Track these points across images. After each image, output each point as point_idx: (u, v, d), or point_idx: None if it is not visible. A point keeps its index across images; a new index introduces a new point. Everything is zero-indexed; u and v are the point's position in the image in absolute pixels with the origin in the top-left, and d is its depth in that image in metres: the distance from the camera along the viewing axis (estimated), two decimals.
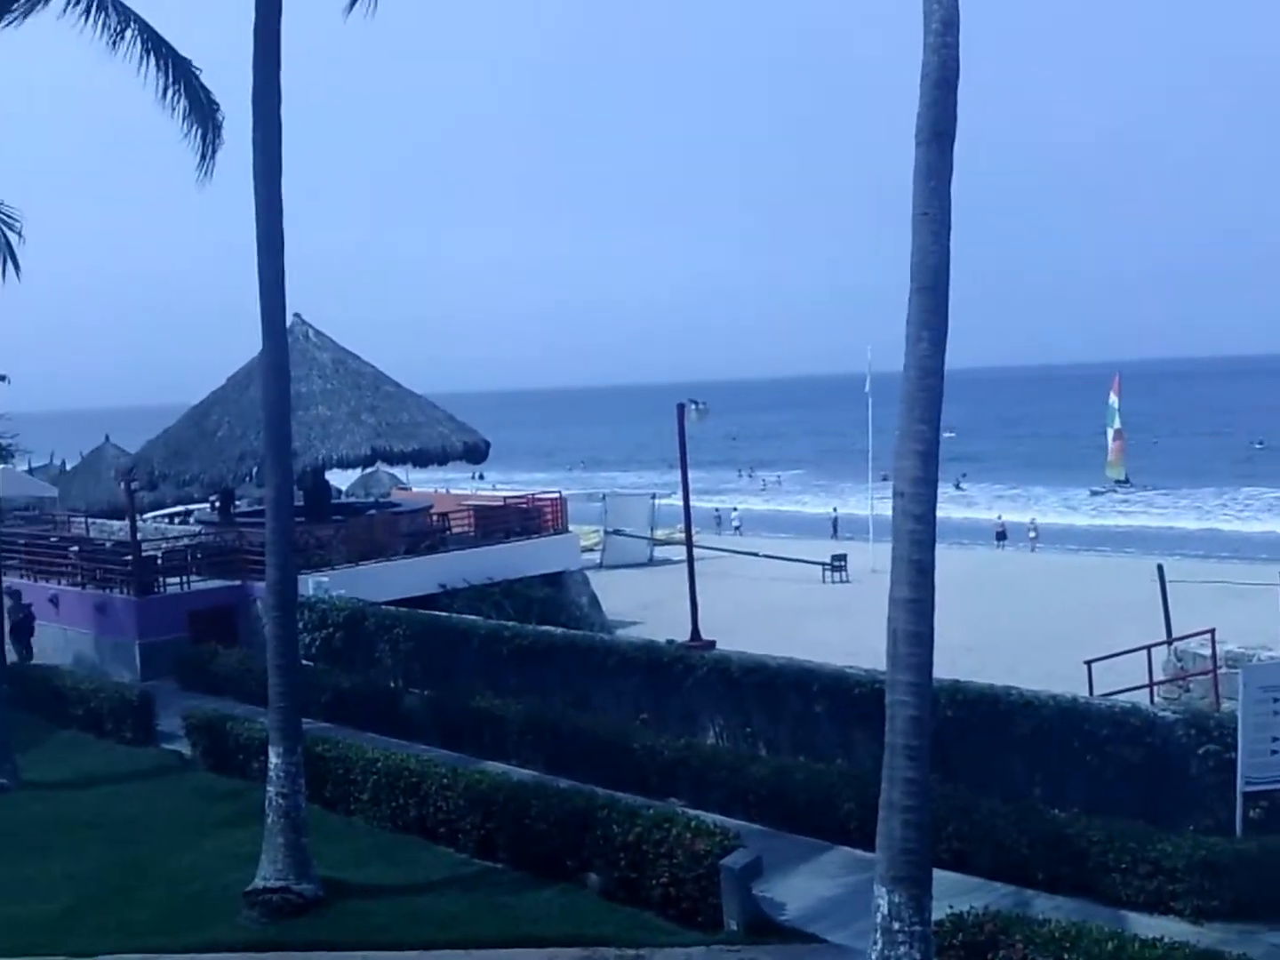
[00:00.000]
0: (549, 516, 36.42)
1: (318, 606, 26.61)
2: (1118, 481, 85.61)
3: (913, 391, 11.03)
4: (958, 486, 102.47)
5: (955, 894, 12.58)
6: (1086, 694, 20.27)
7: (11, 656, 26.44)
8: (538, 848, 15.30)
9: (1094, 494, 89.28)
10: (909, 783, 10.84)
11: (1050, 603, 38.37)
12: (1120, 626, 27.91)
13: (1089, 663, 23.35)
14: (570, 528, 38.25)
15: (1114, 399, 77.69)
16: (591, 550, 49.65)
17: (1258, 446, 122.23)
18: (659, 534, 55.02)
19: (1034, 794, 16.41)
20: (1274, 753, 14.68)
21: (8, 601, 25.71)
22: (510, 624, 25.29)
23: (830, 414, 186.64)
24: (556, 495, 38.28)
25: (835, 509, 70.88)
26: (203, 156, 21.45)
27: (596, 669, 22.26)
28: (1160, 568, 27.09)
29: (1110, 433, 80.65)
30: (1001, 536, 64.03)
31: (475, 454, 35.25)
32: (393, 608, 26.82)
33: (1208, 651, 22.32)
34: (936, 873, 11.34)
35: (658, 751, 18.17)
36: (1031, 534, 63.15)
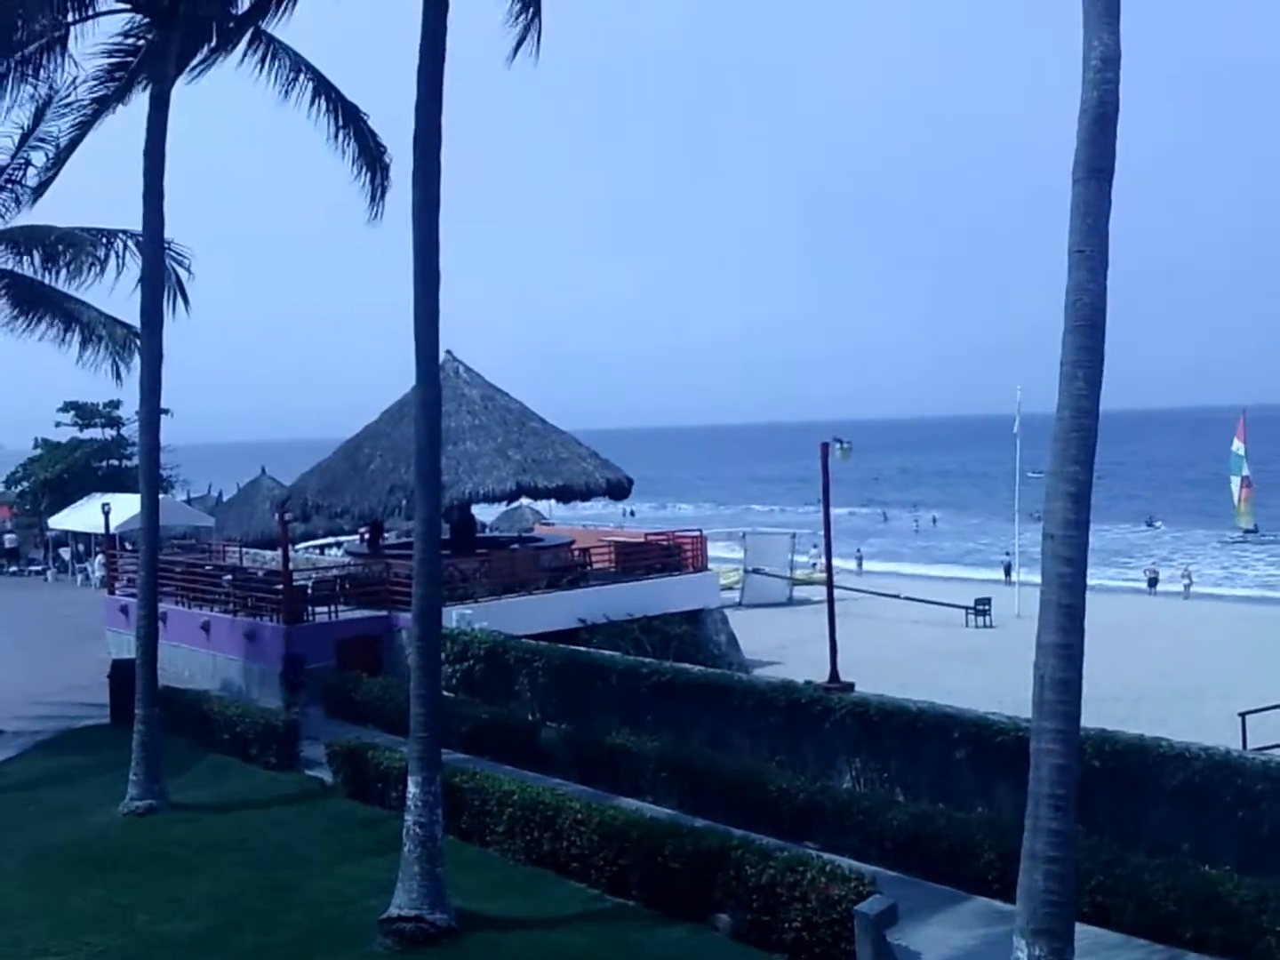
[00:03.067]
0: (689, 554, 36.42)
1: (460, 638, 26.95)
2: (1246, 531, 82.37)
3: (1066, 431, 10.85)
4: (1150, 524, 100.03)
5: (1097, 950, 12.23)
6: (1240, 747, 19.55)
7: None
8: (670, 886, 15.20)
9: (1222, 544, 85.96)
10: (1053, 833, 10.59)
11: (1203, 652, 37.21)
12: (1277, 679, 26.93)
13: (1244, 715, 22.58)
14: (709, 566, 38.24)
15: (1239, 445, 74.92)
16: (731, 589, 49.54)
17: None
18: (798, 574, 54.68)
19: (1182, 849, 15.83)
20: None
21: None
22: (648, 660, 25.31)
23: (979, 455, 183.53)
24: (697, 533, 38.29)
25: (1008, 553, 68.48)
26: (372, 198, 22.23)
27: (733, 708, 22.14)
28: None
29: (1236, 480, 77.71)
30: (1153, 583, 62.25)
31: (618, 490, 35.44)
32: (533, 641, 27.03)
33: None
34: (1078, 927, 11.04)
35: (793, 794, 17.93)
36: (1185, 581, 61.30)
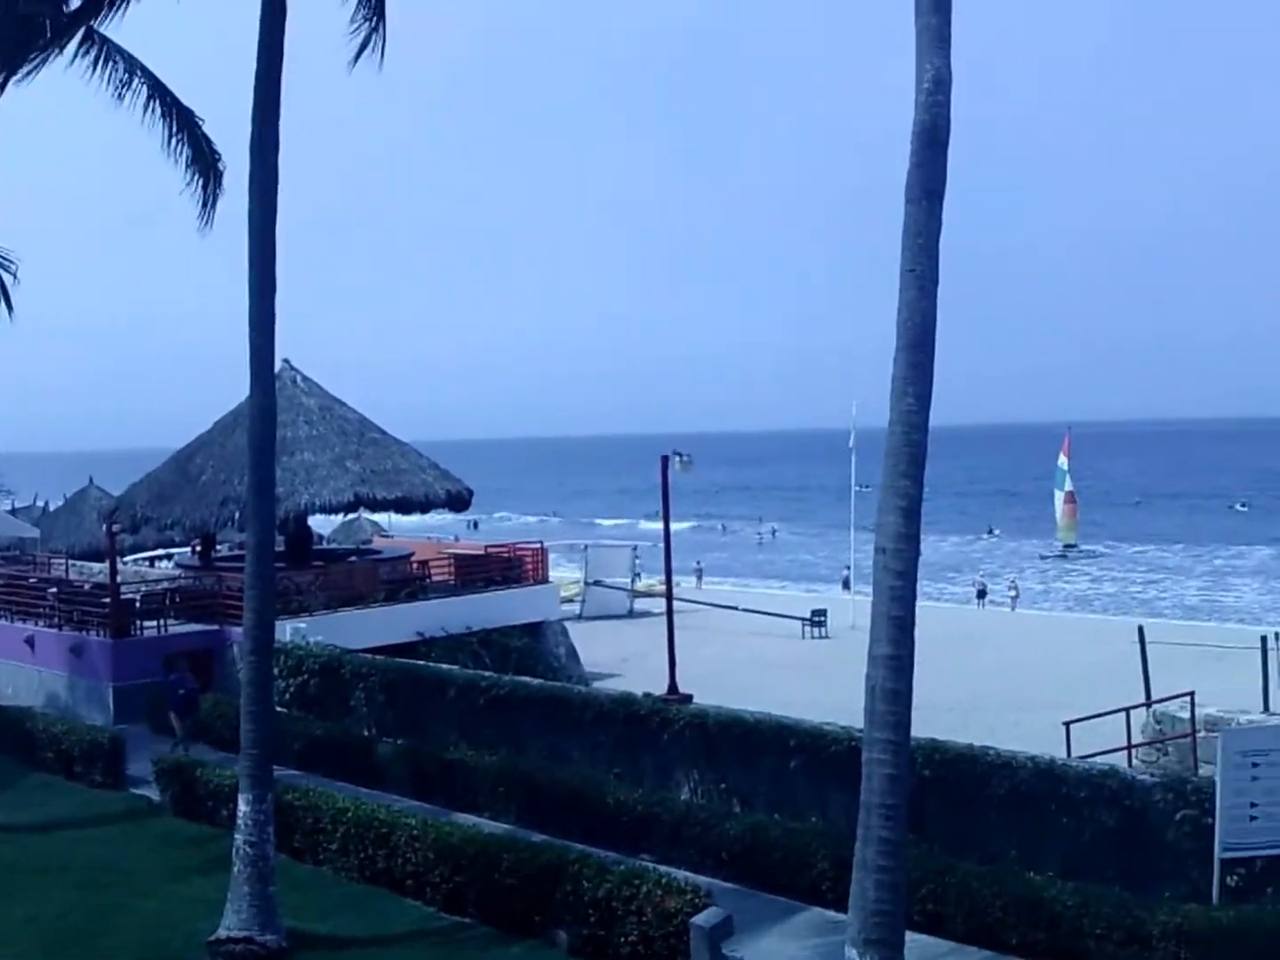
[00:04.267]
0: (529, 566, 36.31)
1: (294, 652, 26.44)
2: (1066, 546, 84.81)
3: (897, 447, 11.06)
4: (990, 532, 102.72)
5: (928, 958, 12.43)
6: (1065, 755, 20.17)
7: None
8: (507, 902, 15.11)
9: (1043, 558, 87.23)
10: (884, 842, 10.77)
11: (1030, 662, 38.30)
12: (1099, 688, 27.84)
13: (1067, 724, 23.25)
14: (550, 577, 38.20)
15: (1064, 460, 77.33)
16: (571, 601, 49.49)
17: (1240, 509, 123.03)
18: (640, 586, 54.87)
19: (1010, 856, 16.25)
20: (1252, 819, 14.59)
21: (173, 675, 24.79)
22: (486, 674, 25.15)
23: (819, 468, 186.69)
24: (538, 545, 38.20)
25: (848, 566, 68.99)
26: (203, 204, 21.69)
27: (573, 721, 22.09)
28: (1140, 629, 27.07)
29: (1060, 496, 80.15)
30: (982, 595, 63.99)
31: (458, 502, 35.20)
32: (369, 655, 26.64)
33: (1187, 715, 22.26)
34: (909, 935, 11.25)
35: (631, 806, 17.98)
36: (1011, 592, 63.14)
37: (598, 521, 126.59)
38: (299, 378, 34.49)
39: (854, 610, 44.30)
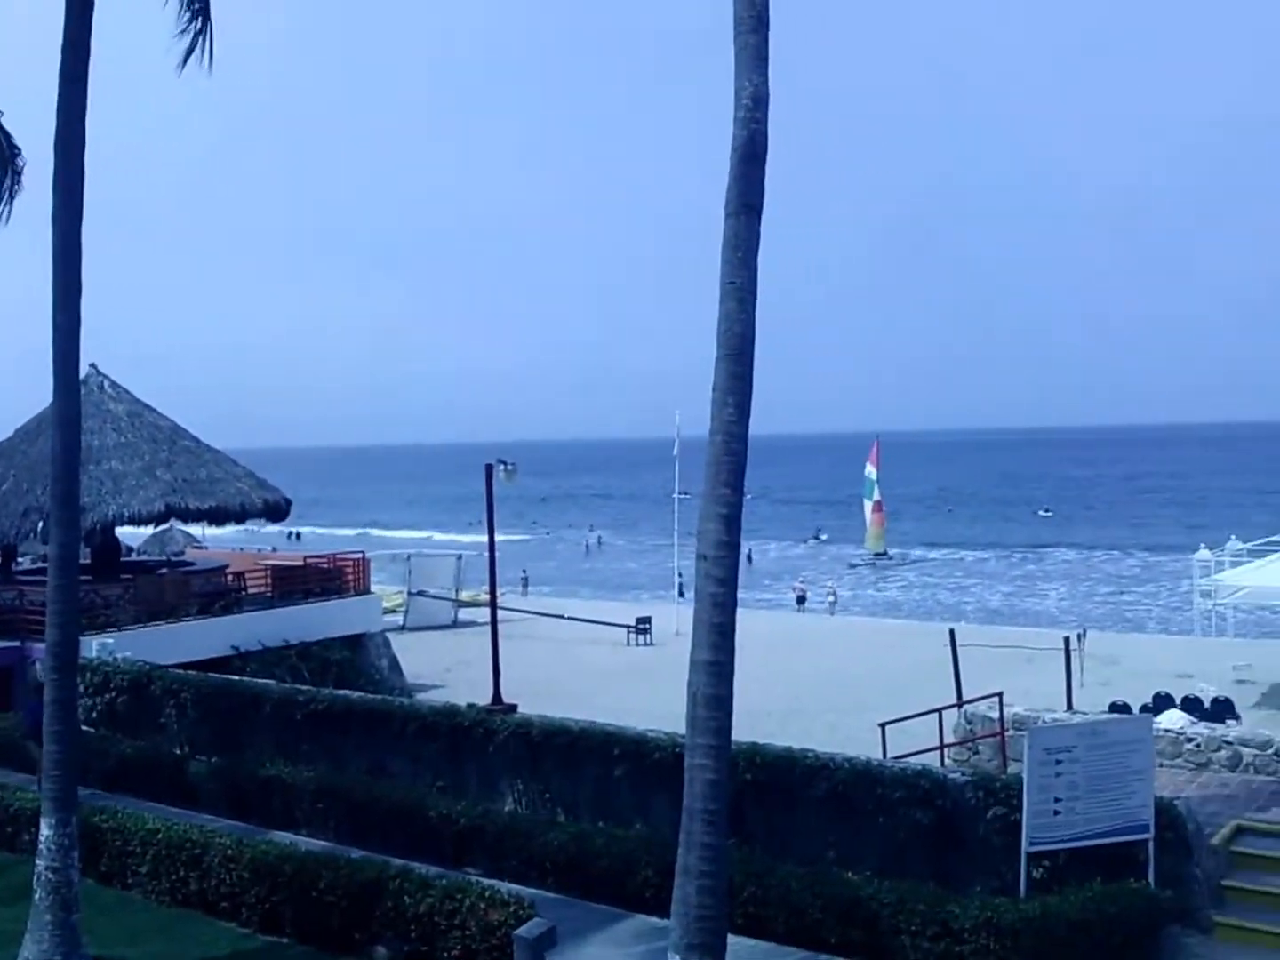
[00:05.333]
0: (350, 577, 35.72)
1: (101, 669, 25.49)
2: (876, 554, 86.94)
3: (718, 456, 11.16)
4: (816, 537, 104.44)
5: None
6: (881, 756, 20.59)
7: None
8: (326, 921, 14.79)
9: (852, 566, 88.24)
10: (706, 847, 10.82)
11: (846, 667, 39.11)
12: (913, 689, 28.53)
13: (883, 725, 23.76)
14: (373, 588, 37.65)
15: (871, 470, 79.29)
16: (394, 611, 48.87)
17: (1044, 514, 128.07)
18: (464, 595, 54.48)
19: (829, 857, 16.55)
20: (1056, 814, 15.12)
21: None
22: (305, 688, 24.59)
23: (649, 476, 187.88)
24: (359, 555, 37.62)
25: (680, 574, 69.04)
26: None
27: (394, 734, 21.74)
28: (952, 632, 27.81)
29: (869, 505, 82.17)
30: (801, 600, 65.19)
31: (276, 512, 34.43)
32: (181, 671, 25.84)
33: (996, 714, 22.93)
34: (731, 939, 11.32)
35: (454, 819, 17.81)
36: (830, 598, 64.43)
37: (379, 532, 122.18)
38: (107, 383, 33.37)
39: (678, 617, 44.67)
